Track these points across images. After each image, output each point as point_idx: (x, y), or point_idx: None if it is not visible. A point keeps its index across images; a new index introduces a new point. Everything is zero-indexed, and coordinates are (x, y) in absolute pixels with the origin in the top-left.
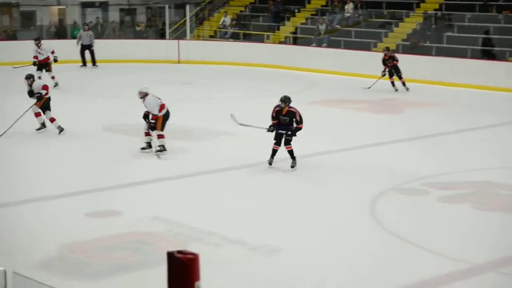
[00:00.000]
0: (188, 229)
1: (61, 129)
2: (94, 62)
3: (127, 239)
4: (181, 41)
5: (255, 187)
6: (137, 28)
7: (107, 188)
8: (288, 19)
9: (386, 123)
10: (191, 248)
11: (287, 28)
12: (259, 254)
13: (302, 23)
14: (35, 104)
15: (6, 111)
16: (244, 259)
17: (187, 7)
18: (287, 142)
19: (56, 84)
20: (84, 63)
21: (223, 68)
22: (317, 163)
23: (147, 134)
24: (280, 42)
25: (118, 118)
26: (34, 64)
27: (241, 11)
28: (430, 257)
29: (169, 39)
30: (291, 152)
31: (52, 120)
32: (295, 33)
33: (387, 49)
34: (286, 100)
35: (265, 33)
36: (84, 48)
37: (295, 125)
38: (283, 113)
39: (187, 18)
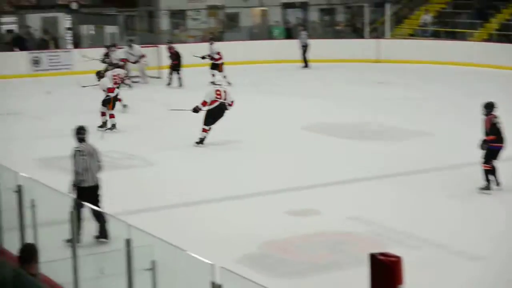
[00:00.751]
0: (388, 231)
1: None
2: (305, 62)
3: (325, 238)
4: (380, 40)
5: (463, 191)
6: (336, 28)
7: (307, 187)
8: (493, 16)
9: None
10: (391, 250)
11: (491, 25)
12: (460, 258)
13: (507, 20)
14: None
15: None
16: (445, 262)
17: (387, 5)
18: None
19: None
20: (306, 65)
21: (422, 67)
22: None
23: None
24: (484, 40)
25: (317, 117)
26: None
27: (442, 9)
28: None
29: (368, 38)
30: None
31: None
32: (499, 30)
33: None
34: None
35: (468, 30)
36: (302, 48)
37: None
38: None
39: (387, 16)
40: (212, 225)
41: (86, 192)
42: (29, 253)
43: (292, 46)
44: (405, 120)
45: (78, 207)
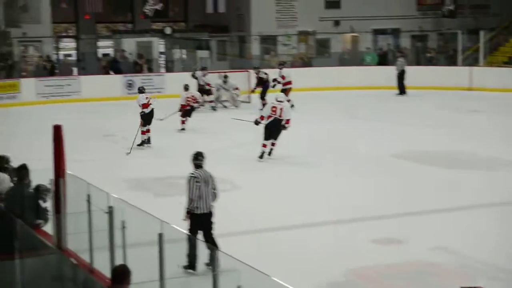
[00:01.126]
0: (475, 262)
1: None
2: (400, 89)
3: (410, 268)
4: (473, 68)
5: None
6: (428, 55)
7: (392, 215)
8: None
9: None
10: (478, 283)
11: None
12: None
13: None
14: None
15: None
16: None
17: (481, 33)
18: None
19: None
20: (401, 91)
21: None
22: None
23: None
24: None
25: (407, 144)
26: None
27: None
28: None
29: (461, 65)
30: None
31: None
32: None
33: None
34: None
35: None
36: (398, 74)
37: None
38: None
39: (481, 44)
40: (295, 250)
41: (199, 219)
42: (122, 274)
43: (383, 73)
44: (498, 150)
45: (192, 233)
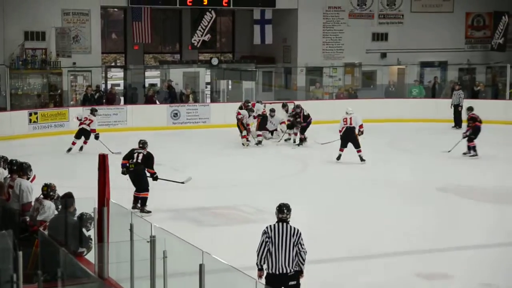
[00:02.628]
0: None
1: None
2: (456, 122)
3: None
4: None
5: None
6: (476, 88)
7: (438, 250)
8: None
9: None
10: None
11: None
12: None
13: None
14: None
15: None
16: None
17: None
18: None
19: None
20: (456, 124)
21: None
22: None
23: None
24: None
25: (455, 178)
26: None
27: None
28: None
29: (509, 99)
30: None
31: None
32: None
33: None
34: None
35: None
36: (455, 108)
37: None
38: None
39: None
40: (341, 282)
41: (272, 279)
42: None
43: (430, 105)
44: None
45: None
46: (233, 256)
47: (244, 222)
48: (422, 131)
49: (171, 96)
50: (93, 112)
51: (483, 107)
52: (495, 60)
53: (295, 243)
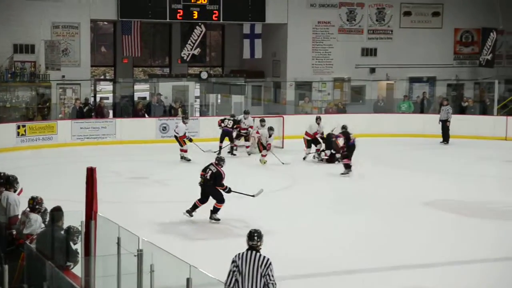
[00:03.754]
0: None
1: None
2: (444, 137)
3: None
4: (509, 118)
5: None
6: (463, 104)
7: (423, 265)
8: None
9: None
10: None
11: None
12: None
13: None
14: None
15: None
16: None
17: None
18: None
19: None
20: (445, 139)
21: None
22: None
23: None
24: None
25: (440, 194)
26: None
27: None
28: None
29: (497, 115)
30: None
31: None
32: None
33: None
34: None
35: None
36: (443, 123)
37: None
38: None
39: None
40: None
41: None
42: None
43: (419, 121)
44: None
45: None
46: (220, 270)
47: (232, 236)
48: (410, 146)
49: (160, 110)
50: (183, 120)
51: (471, 123)
52: (483, 76)
53: (263, 274)
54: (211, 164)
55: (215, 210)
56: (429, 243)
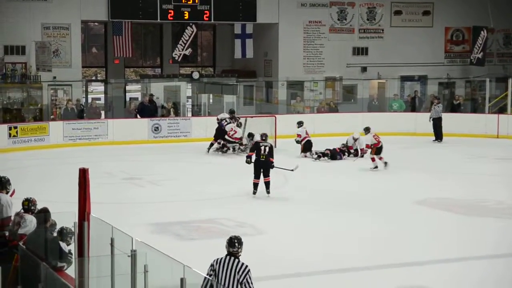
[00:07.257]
0: None
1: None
2: (437, 136)
3: None
4: (501, 116)
5: None
6: (455, 102)
7: (417, 263)
8: None
9: None
10: None
11: None
12: None
13: None
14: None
15: None
16: None
17: (510, 80)
18: None
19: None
20: (437, 137)
21: None
22: None
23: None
24: None
25: (431, 192)
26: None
27: None
28: None
29: (489, 113)
30: None
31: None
32: None
33: None
34: None
35: None
36: (435, 121)
37: None
38: None
39: (509, 92)
40: None
41: None
42: None
43: (411, 119)
44: None
45: None
46: None
47: (225, 236)
48: (402, 145)
49: (152, 110)
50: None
51: (462, 121)
52: (474, 74)
53: (240, 281)
54: (259, 141)
55: (268, 185)
56: (424, 242)
